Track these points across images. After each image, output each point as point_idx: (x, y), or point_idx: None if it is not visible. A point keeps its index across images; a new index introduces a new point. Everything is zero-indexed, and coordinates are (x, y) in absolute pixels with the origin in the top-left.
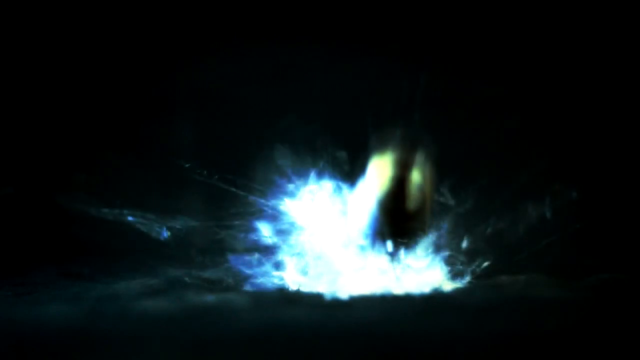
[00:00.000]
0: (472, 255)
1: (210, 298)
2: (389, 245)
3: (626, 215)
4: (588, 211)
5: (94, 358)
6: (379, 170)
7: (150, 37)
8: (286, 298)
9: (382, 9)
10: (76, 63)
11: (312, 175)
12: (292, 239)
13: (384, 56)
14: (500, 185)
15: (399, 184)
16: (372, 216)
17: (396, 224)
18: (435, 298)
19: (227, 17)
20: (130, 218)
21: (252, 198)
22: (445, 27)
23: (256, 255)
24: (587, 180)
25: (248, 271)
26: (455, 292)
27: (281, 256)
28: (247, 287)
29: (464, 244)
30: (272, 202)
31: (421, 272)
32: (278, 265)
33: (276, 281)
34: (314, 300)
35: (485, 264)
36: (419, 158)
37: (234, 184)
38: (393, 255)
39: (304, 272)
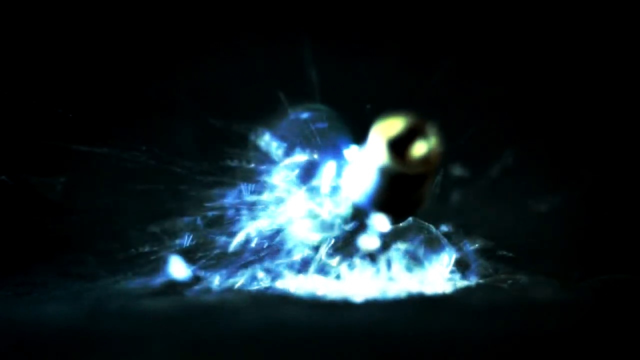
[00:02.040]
0: (472, 255)
1: (210, 298)
2: (385, 222)
3: (627, 215)
4: (589, 211)
5: (94, 358)
6: (381, 137)
7: (149, 36)
8: (286, 298)
9: (382, 9)
10: (72, 60)
11: (312, 174)
12: (292, 238)
13: (384, 56)
14: (501, 185)
15: (403, 152)
16: (371, 191)
17: (397, 196)
18: (435, 298)
19: (227, 16)
20: (129, 217)
21: (250, 198)
22: (446, 27)
23: (255, 255)
24: (588, 179)
25: (246, 271)
26: (455, 292)
27: (280, 256)
28: (245, 287)
29: (464, 244)
30: (271, 201)
31: (420, 270)
32: (277, 265)
33: (274, 281)
34: (314, 300)
35: (486, 263)
36: (427, 128)
37: (230, 184)
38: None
39: (303, 272)
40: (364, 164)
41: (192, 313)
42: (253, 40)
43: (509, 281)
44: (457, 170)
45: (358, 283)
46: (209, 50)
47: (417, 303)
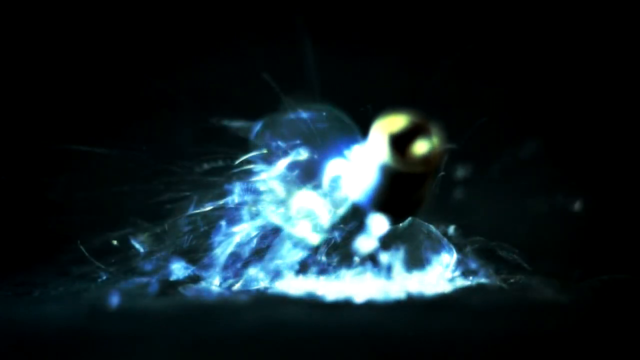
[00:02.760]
0: (473, 255)
1: (210, 298)
2: (385, 222)
3: (627, 215)
4: (589, 211)
5: (94, 358)
6: (383, 134)
7: (149, 36)
8: (286, 298)
9: (382, 9)
10: (72, 60)
11: (312, 174)
12: (291, 239)
13: (384, 56)
14: (501, 185)
15: (405, 149)
16: (371, 189)
17: (397, 196)
18: (436, 298)
19: (227, 16)
20: (129, 217)
21: (249, 198)
22: (446, 27)
23: (254, 255)
24: (588, 179)
25: (246, 271)
26: (455, 292)
27: (279, 256)
28: (245, 287)
29: (465, 244)
30: (271, 202)
31: (420, 270)
32: (277, 266)
33: (274, 281)
34: (314, 300)
35: (486, 263)
36: (429, 127)
37: (230, 184)
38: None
39: (303, 273)
40: (364, 162)
41: (192, 313)
42: (253, 40)
43: (509, 281)
44: (457, 170)
45: (358, 283)
46: (209, 50)
47: (417, 303)
